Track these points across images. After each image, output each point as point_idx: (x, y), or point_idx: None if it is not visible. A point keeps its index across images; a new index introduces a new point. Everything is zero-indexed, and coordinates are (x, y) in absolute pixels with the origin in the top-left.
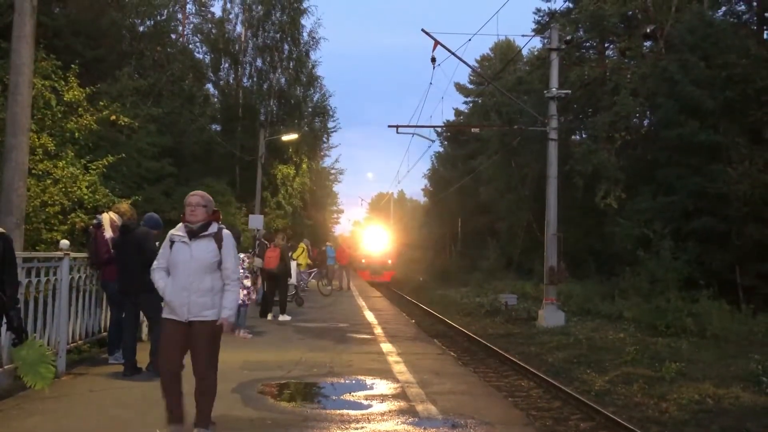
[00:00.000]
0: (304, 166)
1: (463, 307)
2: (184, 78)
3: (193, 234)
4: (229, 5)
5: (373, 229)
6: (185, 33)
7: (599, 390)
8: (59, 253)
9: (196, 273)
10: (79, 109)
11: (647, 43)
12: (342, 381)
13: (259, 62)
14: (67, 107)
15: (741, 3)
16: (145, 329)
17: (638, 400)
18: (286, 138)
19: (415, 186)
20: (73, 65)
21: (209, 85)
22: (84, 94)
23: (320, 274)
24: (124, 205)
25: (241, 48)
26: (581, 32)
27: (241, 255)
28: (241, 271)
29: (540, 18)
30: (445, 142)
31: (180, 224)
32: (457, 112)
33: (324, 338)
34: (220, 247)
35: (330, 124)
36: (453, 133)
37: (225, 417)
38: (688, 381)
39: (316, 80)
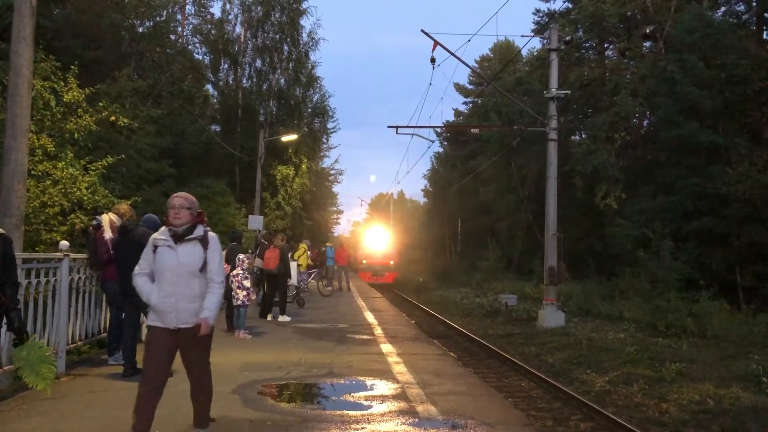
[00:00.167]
0: (304, 166)
1: (463, 308)
2: (184, 79)
3: (179, 237)
4: (228, 6)
5: (374, 230)
6: (185, 34)
7: (599, 390)
8: (59, 254)
9: (183, 278)
10: (79, 110)
11: (647, 44)
12: (342, 382)
13: (258, 63)
14: (67, 108)
15: (740, 3)
16: (144, 330)
17: (638, 401)
18: (285, 138)
19: (415, 186)
20: (72, 66)
21: (209, 86)
22: (83, 95)
23: (320, 274)
24: (124, 206)
25: (240, 49)
26: (581, 32)
27: (241, 256)
28: (241, 271)
29: (539, 18)
30: (445, 143)
31: (163, 228)
32: (457, 113)
33: (324, 339)
34: (206, 251)
35: (329, 125)
36: (453, 133)
37: (224, 418)
38: (689, 381)
39: (315, 81)
